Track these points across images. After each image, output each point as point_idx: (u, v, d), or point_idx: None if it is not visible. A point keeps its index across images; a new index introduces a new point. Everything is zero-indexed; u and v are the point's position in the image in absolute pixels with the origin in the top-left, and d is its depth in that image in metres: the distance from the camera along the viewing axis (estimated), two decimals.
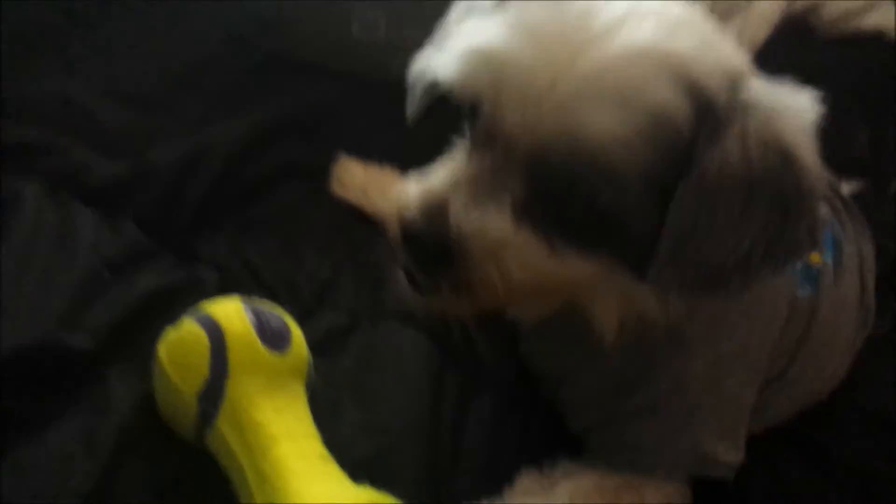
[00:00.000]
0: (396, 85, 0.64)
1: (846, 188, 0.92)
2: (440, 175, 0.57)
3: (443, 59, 0.57)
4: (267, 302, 0.69)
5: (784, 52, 1.52)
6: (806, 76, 1.63)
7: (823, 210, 0.78)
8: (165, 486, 0.64)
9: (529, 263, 0.56)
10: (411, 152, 0.66)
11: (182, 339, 0.62)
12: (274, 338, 0.62)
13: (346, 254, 0.89)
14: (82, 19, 1.14)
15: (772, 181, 0.52)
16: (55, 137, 0.92)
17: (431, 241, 0.55)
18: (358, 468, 0.64)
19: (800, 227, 0.54)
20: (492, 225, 0.54)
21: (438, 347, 0.79)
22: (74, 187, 0.86)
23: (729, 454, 0.68)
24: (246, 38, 1.15)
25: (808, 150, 0.54)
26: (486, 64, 0.54)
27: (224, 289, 0.78)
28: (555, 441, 0.71)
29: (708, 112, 0.52)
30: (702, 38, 0.55)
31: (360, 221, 0.93)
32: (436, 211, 0.55)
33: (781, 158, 0.52)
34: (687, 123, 0.51)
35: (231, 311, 0.63)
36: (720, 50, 0.55)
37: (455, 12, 0.64)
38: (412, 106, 0.66)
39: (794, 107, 0.55)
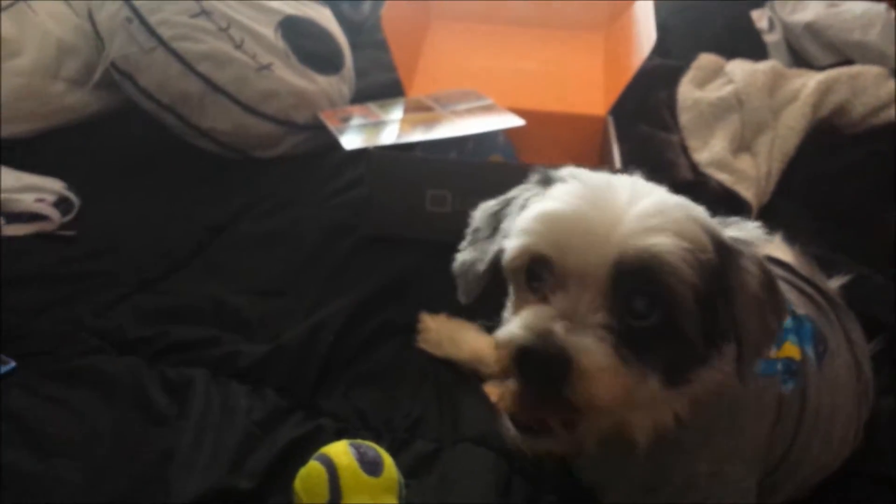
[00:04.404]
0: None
1: (835, 282, 1.04)
2: (521, 318, 0.65)
3: (516, 227, 0.70)
4: (367, 441, 0.87)
5: (816, 155, 1.61)
6: (839, 174, 1.78)
7: (809, 309, 0.93)
8: None
9: (616, 382, 0.64)
10: (474, 306, 0.81)
11: (309, 474, 0.82)
12: (371, 466, 0.81)
13: (432, 394, 1.05)
14: (219, 228, 1.38)
15: (766, 294, 0.70)
16: (211, 331, 1.12)
17: (546, 357, 0.61)
18: None
19: (776, 324, 0.72)
20: (596, 347, 0.63)
21: (507, 461, 0.93)
22: (229, 369, 1.05)
23: None
24: (344, 226, 1.38)
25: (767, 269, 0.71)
26: (557, 221, 0.67)
27: (339, 432, 0.96)
28: None
29: (721, 246, 0.69)
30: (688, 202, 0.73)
31: (442, 366, 1.09)
32: (545, 334, 0.62)
33: (766, 279, 0.70)
34: (713, 252, 0.68)
35: (340, 450, 0.82)
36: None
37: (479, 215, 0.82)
38: (466, 290, 0.80)
39: (754, 235, 0.72)
